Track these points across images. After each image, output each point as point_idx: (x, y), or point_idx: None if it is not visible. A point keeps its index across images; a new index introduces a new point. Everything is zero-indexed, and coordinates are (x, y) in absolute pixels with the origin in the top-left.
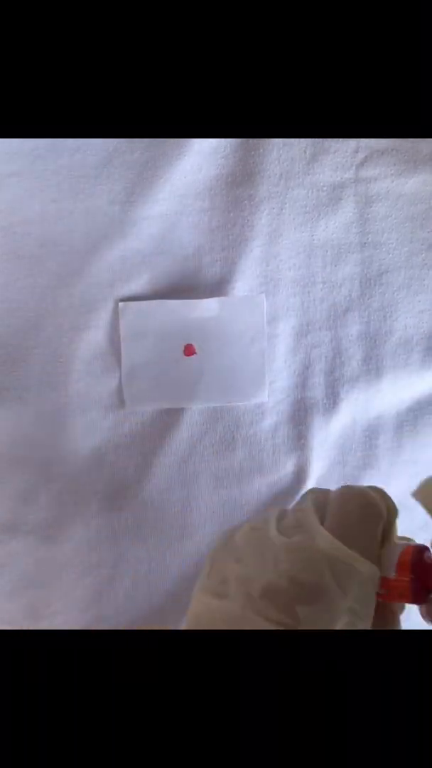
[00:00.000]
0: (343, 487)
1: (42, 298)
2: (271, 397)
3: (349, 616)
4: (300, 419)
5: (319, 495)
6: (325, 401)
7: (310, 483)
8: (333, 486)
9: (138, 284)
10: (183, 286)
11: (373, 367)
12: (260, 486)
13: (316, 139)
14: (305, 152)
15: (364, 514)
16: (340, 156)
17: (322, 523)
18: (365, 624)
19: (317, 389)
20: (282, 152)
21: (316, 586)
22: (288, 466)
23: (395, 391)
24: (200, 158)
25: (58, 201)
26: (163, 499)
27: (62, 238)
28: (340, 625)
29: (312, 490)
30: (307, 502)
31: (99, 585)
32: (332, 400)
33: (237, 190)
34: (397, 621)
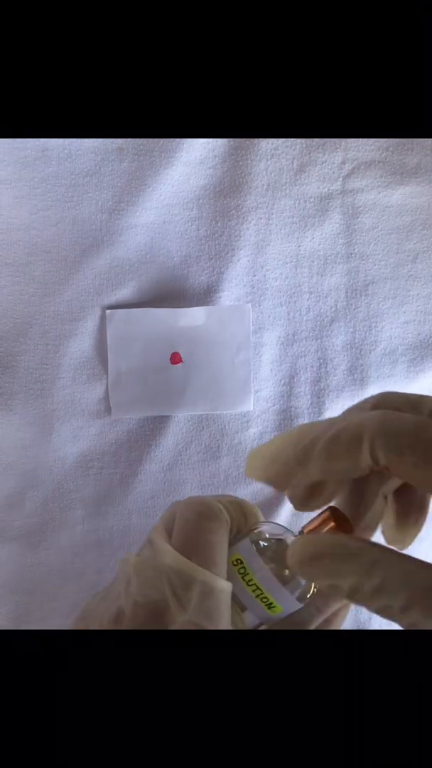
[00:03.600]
0: (188, 498)
1: (29, 305)
2: (256, 405)
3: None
4: (285, 428)
5: (171, 509)
6: (310, 410)
7: None
8: None
9: (125, 292)
10: (170, 295)
11: (358, 377)
12: (244, 494)
13: (304, 151)
14: (293, 163)
15: (204, 522)
16: (327, 167)
17: (169, 537)
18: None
19: (303, 398)
20: (270, 163)
21: (157, 604)
22: None
23: None
24: (188, 168)
25: (46, 209)
26: (148, 506)
27: (50, 246)
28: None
29: (173, 504)
30: (159, 519)
31: (83, 592)
32: (317, 409)
33: (224, 200)
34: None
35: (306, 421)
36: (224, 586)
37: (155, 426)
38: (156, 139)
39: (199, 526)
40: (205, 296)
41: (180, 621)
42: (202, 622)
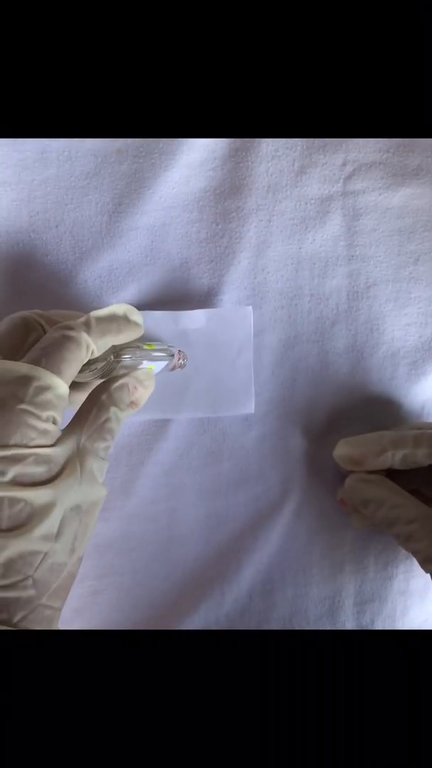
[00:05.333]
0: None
1: (29, 308)
2: (258, 408)
3: (26, 415)
4: (287, 431)
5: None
6: (311, 414)
7: (296, 495)
8: (318, 500)
9: (125, 295)
10: (170, 297)
11: (359, 381)
12: (246, 498)
13: (304, 153)
14: (293, 165)
15: (65, 342)
16: (327, 169)
17: None
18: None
19: (304, 401)
20: (270, 165)
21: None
22: (274, 478)
23: (381, 405)
24: (188, 170)
25: (46, 211)
26: (149, 511)
27: (50, 249)
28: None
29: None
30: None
31: (84, 597)
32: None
33: (225, 202)
34: None
35: (307, 424)
36: (60, 385)
37: (156, 430)
38: (156, 141)
39: (59, 344)
40: (205, 299)
41: (17, 409)
42: (35, 410)
